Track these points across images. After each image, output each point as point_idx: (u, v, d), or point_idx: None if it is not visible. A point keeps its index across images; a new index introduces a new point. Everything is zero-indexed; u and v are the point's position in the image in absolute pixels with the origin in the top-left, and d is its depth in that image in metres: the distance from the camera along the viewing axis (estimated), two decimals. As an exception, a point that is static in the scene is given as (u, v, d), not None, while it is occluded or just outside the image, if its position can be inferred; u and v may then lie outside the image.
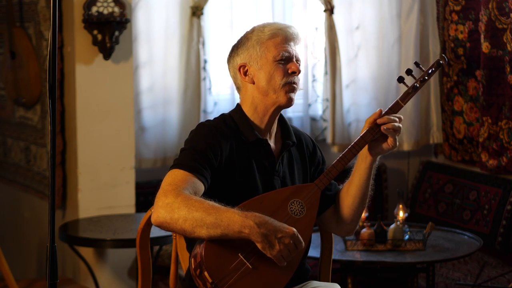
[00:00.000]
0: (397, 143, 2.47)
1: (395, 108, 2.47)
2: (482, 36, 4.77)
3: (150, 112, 4.69)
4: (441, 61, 2.51)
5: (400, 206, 3.94)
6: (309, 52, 5.05)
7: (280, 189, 2.45)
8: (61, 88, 4.36)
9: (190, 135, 2.49)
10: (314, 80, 5.11)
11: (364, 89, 5.18)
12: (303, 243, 2.29)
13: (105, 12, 4.18)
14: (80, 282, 4.34)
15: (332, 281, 2.67)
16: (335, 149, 5.12)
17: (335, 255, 3.61)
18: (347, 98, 5.12)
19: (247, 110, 2.52)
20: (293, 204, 2.39)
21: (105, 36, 4.19)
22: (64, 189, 4.40)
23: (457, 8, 5.07)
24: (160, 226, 2.33)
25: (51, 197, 2.14)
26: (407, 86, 2.49)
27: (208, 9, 4.74)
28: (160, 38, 4.67)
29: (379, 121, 2.44)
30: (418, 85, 2.48)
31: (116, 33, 4.22)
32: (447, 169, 5.13)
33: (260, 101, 2.51)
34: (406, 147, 5.28)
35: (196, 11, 4.68)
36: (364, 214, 3.96)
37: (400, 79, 2.51)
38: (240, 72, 2.52)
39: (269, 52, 2.48)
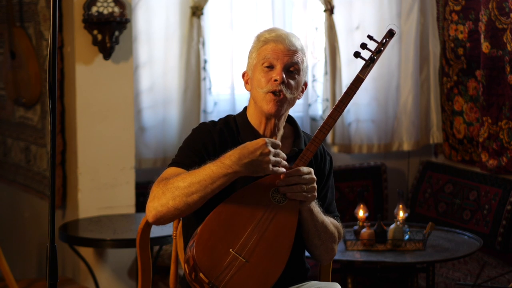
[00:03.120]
0: (309, 196, 2.38)
1: (357, 82, 2.42)
2: (482, 36, 4.77)
3: (150, 112, 4.69)
4: (393, 31, 2.47)
5: (400, 206, 3.94)
6: (309, 52, 5.05)
7: (259, 180, 2.40)
8: (61, 88, 4.36)
9: (190, 133, 2.54)
10: (314, 80, 5.11)
11: (364, 89, 5.17)
12: (280, 142, 2.31)
13: (105, 12, 4.18)
14: (80, 282, 4.34)
15: (332, 281, 2.66)
16: (335, 149, 5.12)
17: (335, 255, 3.61)
18: (347, 98, 5.11)
19: (249, 114, 2.55)
20: (274, 193, 2.38)
21: (105, 36, 4.19)
22: (64, 189, 4.40)
23: (457, 8, 5.07)
24: (155, 219, 2.35)
25: (51, 197, 2.14)
26: (364, 60, 2.46)
27: (208, 9, 4.74)
28: (160, 38, 4.67)
29: (277, 182, 2.37)
30: (375, 56, 2.44)
31: (116, 33, 4.22)
32: (447, 169, 5.13)
33: (255, 108, 2.52)
34: (406, 147, 5.27)
35: (196, 11, 4.68)
36: (364, 214, 3.96)
37: (357, 54, 2.46)
38: (243, 80, 2.56)
39: (259, 58, 2.49)
